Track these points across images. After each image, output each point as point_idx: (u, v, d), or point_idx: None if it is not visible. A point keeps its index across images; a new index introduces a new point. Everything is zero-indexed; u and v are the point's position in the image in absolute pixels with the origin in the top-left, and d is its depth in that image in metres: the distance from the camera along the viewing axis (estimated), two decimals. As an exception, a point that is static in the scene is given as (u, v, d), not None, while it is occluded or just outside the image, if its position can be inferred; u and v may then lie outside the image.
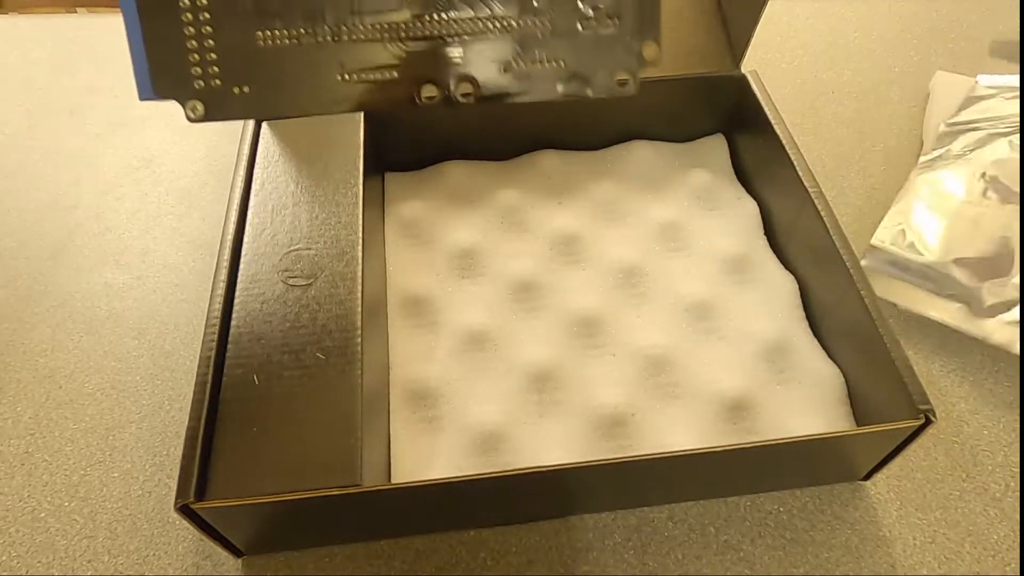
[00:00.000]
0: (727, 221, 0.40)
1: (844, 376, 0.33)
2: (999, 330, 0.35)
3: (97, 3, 0.78)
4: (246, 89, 0.22)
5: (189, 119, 0.22)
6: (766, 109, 0.38)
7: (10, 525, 0.31)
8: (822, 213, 0.33)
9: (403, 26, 0.22)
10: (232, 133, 0.37)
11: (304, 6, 0.22)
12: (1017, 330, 0.34)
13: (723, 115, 0.43)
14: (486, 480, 0.26)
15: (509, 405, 0.33)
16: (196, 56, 0.22)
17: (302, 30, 0.22)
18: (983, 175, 0.40)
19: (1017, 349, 0.34)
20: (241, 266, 0.32)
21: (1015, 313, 0.35)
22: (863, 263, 0.38)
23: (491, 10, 0.22)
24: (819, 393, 0.33)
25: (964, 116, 0.44)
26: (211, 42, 0.22)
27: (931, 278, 0.37)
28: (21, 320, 0.38)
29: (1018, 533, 0.30)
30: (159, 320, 0.38)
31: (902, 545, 0.30)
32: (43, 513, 0.31)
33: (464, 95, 0.23)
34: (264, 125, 0.38)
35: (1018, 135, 0.41)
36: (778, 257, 0.38)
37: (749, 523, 0.31)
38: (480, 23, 0.22)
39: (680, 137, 0.44)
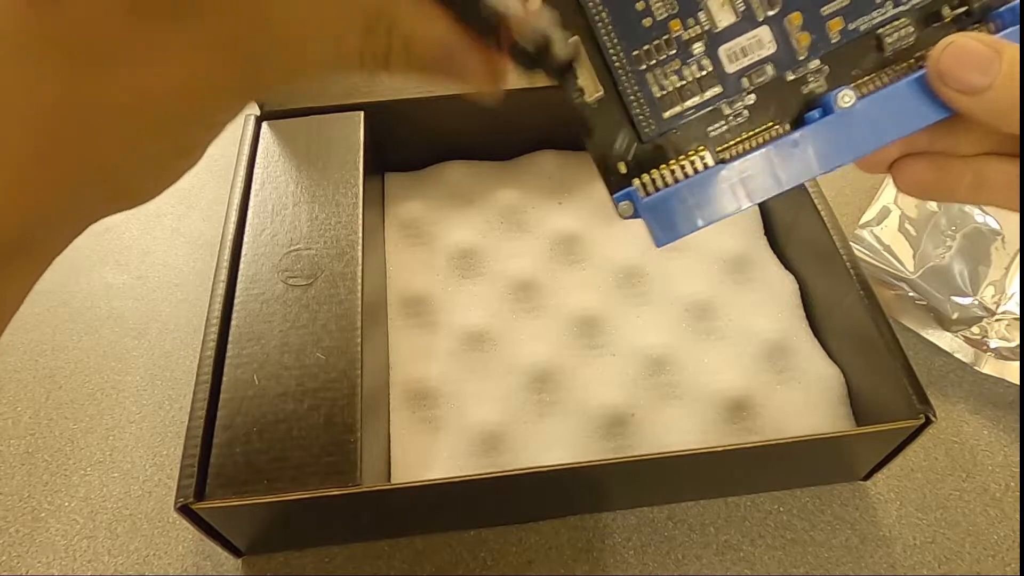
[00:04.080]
0: (727, 221, 0.40)
1: (844, 376, 0.33)
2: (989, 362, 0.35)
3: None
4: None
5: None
6: (766, 109, 0.38)
7: (10, 525, 0.31)
8: (822, 213, 0.33)
9: None
10: (232, 133, 0.37)
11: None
12: (1007, 363, 0.34)
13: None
14: (486, 480, 0.26)
15: (509, 405, 0.33)
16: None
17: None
18: None
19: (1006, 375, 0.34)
20: (241, 266, 0.32)
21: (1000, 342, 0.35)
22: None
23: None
24: (819, 393, 0.33)
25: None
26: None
27: (909, 285, 0.37)
28: (21, 320, 0.38)
29: (1018, 533, 0.30)
30: (159, 320, 0.38)
31: (902, 545, 0.30)
32: (43, 513, 0.31)
33: None
34: (264, 125, 0.38)
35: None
36: (778, 257, 0.38)
37: (749, 523, 0.31)
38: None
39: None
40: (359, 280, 0.31)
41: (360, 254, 0.32)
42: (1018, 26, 0.19)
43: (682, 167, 0.20)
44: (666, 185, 0.20)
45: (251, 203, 0.34)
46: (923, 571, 0.30)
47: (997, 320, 0.35)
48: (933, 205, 0.39)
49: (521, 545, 0.30)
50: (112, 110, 0.13)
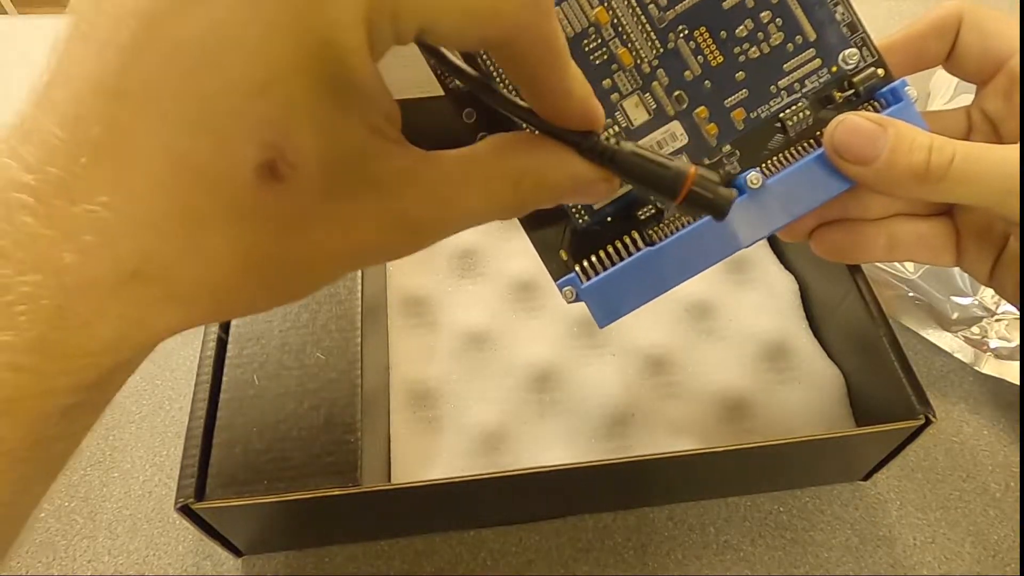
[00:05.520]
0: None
1: (844, 376, 0.33)
2: (989, 362, 0.35)
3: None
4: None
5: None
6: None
7: (10, 525, 0.31)
8: (822, 213, 0.33)
9: None
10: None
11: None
12: (1007, 362, 0.34)
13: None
14: (486, 480, 0.26)
15: (509, 405, 0.33)
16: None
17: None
18: None
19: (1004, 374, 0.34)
20: (241, 266, 0.32)
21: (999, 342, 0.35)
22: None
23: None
24: (819, 393, 0.33)
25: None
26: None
27: (909, 285, 0.37)
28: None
29: (1018, 533, 0.30)
30: (159, 320, 0.38)
31: (902, 545, 0.30)
32: (43, 513, 0.31)
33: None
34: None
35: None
36: (778, 257, 0.38)
37: (749, 523, 0.31)
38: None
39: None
40: (359, 280, 0.31)
41: (360, 254, 0.32)
42: (901, 103, 0.21)
43: (617, 251, 0.22)
44: (604, 269, 0.22)
45: (251, 203, 0.34)
46: (923, 571, 0.30)
47: (997, 320, 0.35)
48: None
49: (521, 545, 0.30)
50: (293, 264, 0.15)
